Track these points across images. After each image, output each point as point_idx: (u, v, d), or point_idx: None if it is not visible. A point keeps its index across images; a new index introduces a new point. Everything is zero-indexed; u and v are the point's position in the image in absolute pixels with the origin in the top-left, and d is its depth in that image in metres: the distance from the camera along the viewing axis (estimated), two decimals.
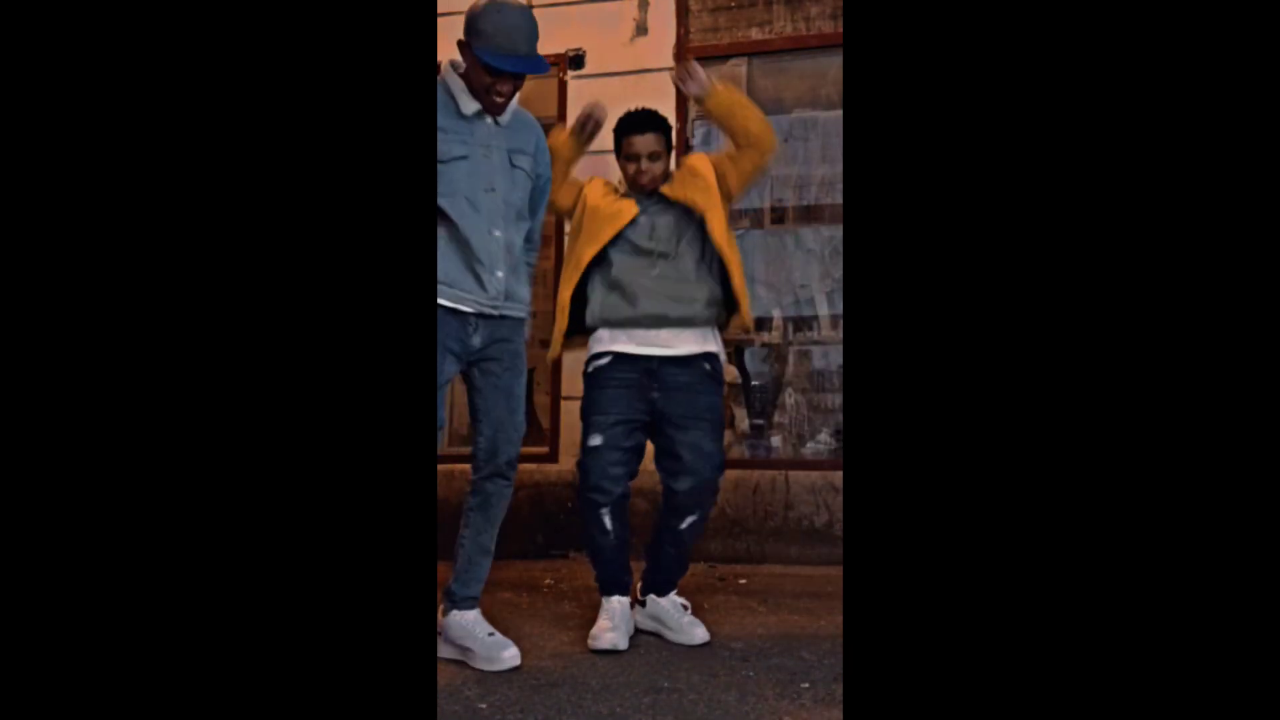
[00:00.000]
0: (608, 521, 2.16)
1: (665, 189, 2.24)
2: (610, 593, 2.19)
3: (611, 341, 2.21)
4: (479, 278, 1.96)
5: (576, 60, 3.79)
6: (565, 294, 2.25)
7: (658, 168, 2.24)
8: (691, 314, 2.20)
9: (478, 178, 1.96)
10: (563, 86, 3.79)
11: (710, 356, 2.25)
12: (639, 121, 2.25)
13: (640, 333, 2.20)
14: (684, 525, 2.19)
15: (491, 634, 1.98)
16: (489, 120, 2.01)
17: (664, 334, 2.19)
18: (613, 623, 2.12)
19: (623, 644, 2.08)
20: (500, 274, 1.98)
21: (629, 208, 2.23)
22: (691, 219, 2.22)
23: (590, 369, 2.23)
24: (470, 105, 1.99)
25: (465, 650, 1.98)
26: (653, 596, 2.26)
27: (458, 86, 1.98)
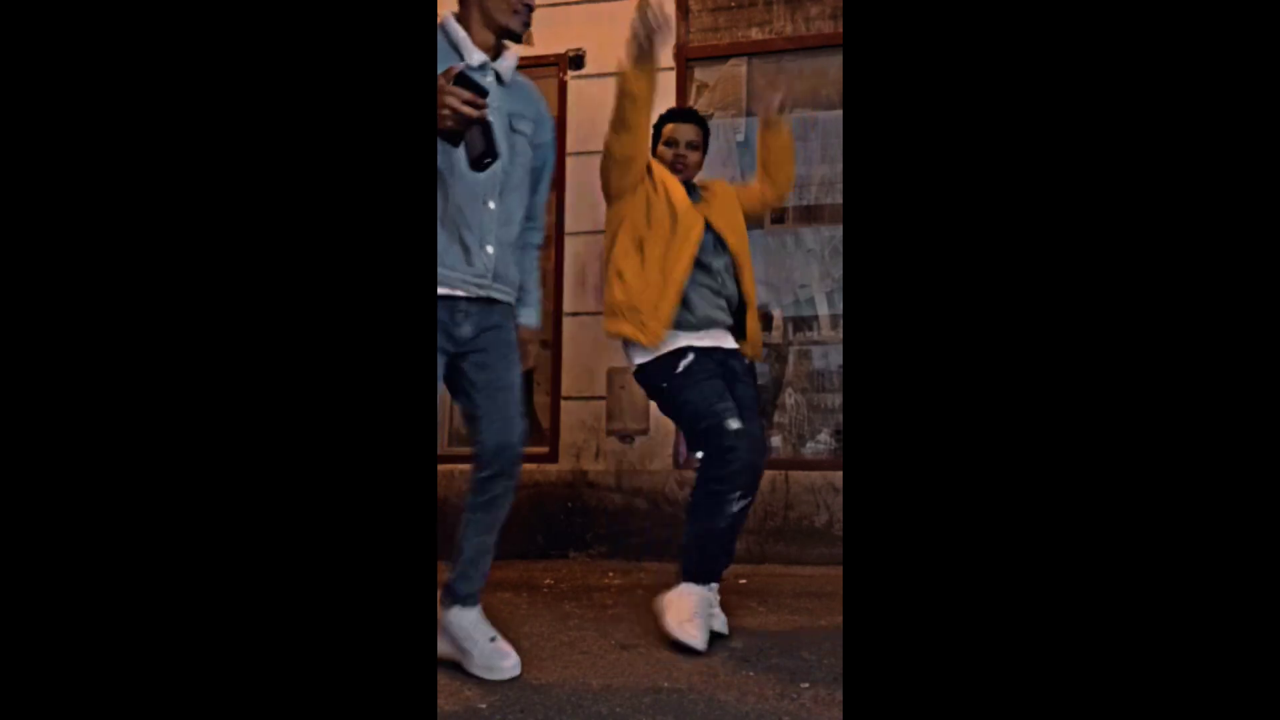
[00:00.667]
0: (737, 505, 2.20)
1: (708, 213, 2.35)
2: (715, 580, 2.24)
3: (682, 339, 2.28)
4: (466, 250, 1.80)
5: (576, 60, 3.79)
6: (667, 306, 2.26)
7: (693, 157, 2.41)
8: (728, 321, 2.37)
9: None
10: (563, 87, 3.79)
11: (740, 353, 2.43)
12: (681, 113, 2.48)
13: (700, 334, 2.31)
14: (735, 509, 2.19)
15: (493, 639, 1.88)
16: (492, 77, 1.85)
17: (715, 333, 2.34)
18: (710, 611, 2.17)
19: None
20: (490, 250, 1.83)
21: (698, 221, 2.32)
22: (724, 243, 2.36)
23: (680, 368, 2.27)
24: (476, 56, 1.83)
25: (463, 652, 1.87)
26: (690, 584, 2.21)
27: (460, 36, 1.83)
